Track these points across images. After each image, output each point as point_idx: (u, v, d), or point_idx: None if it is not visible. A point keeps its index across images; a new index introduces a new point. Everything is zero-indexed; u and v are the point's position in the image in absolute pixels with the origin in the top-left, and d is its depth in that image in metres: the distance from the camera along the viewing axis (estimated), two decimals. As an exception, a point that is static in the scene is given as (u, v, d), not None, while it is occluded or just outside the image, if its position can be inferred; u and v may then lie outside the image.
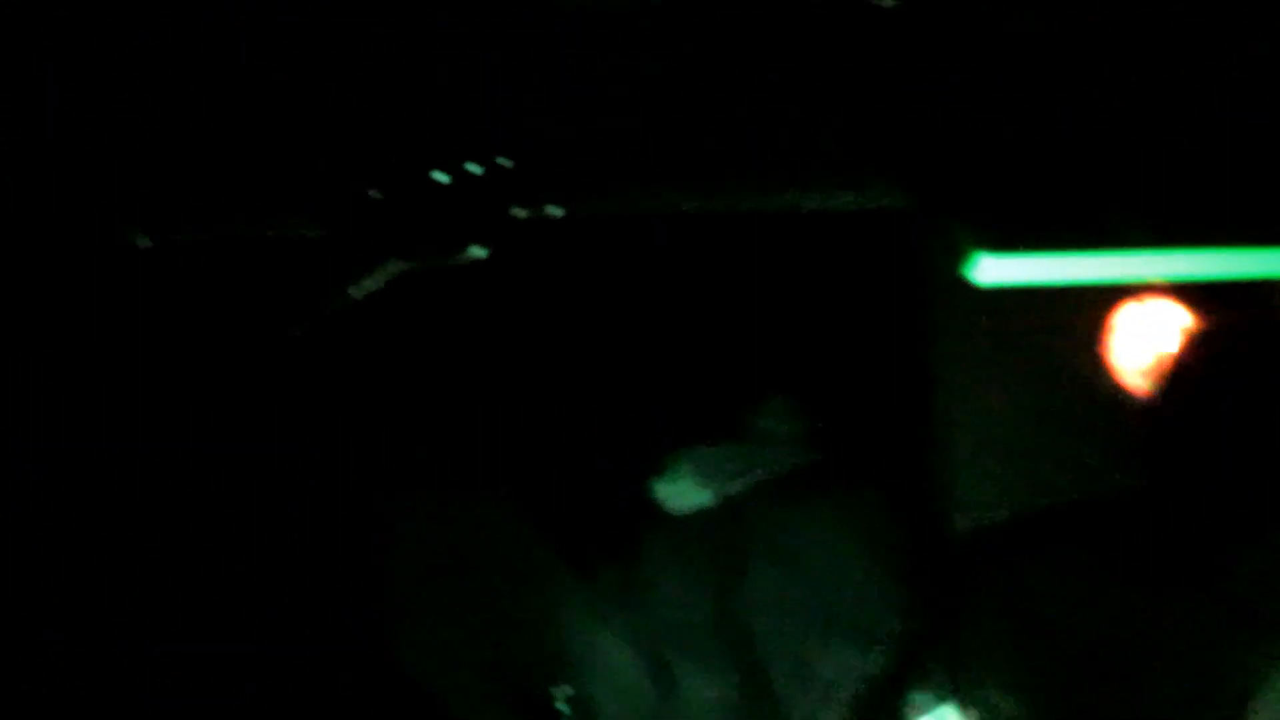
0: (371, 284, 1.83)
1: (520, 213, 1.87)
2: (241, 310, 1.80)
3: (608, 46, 4.48)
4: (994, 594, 4.13)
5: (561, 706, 4.37)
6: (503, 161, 1.91)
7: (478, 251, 1.86)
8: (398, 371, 4.48)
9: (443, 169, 1.91)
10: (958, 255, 4.42)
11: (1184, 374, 4.11)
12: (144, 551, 4.27)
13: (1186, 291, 4.49)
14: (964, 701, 4.11)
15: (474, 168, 1.90)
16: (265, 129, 4.20)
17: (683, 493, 4.45)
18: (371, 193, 1.86)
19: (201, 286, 1.80)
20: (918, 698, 4.19)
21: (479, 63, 4.35)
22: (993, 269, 4.38)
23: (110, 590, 4.26)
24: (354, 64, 4.24)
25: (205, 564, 4.33)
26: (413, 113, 4.24)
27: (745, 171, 4.64)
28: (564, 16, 4.45)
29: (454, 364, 4.56)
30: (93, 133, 4.25)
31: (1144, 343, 4.50)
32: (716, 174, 4.64)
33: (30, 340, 3.96)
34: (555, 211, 1.88)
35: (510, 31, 4.39)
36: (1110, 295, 4.53)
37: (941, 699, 4.14)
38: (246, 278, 1.82)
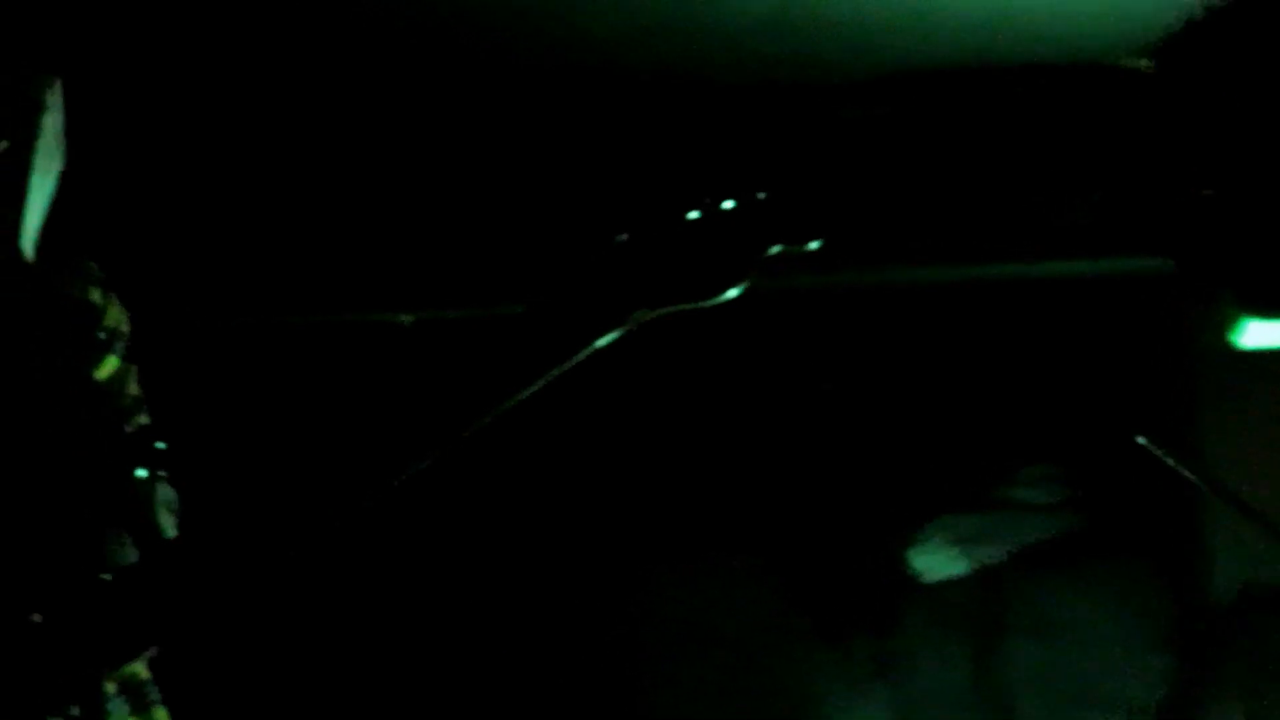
0: (615, 335, 1.84)
1: (776, 250, 1.85)
2: (492, 382, 1.85)
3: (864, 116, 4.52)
4: (1259, 663, 4.00)
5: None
6: (760, 195, 1.89)
7: (732, 293, 1.84)
8: (649, 437, 4.55)
9: (695, 207, 1.90)
10: (1223, 320, 4.31)
11: None
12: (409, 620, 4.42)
13: None
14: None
15: (729, 204, 1.89)
16: (516, 210, 4.37)
17: (938, 562, 4.43)
18: (619, 237, 1.86)
19: (459, 360, 1.86)
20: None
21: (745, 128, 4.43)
22: (1258, 333, 4.26)
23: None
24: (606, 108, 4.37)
25: (461, 633, 4.45)
26: (662, 152, 4.35)
27: (1009, 238, 4.62)
28: (824, 86, 4.49)
29: (709, 432, 4.61)
30: (364, 225, 4.45)
31: None
32: (977, 241, 4.62)
33: (308, 413, 4.15)
34: (814, 246, 1.84)
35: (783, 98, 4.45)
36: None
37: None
38: (495, 351, 1.87)
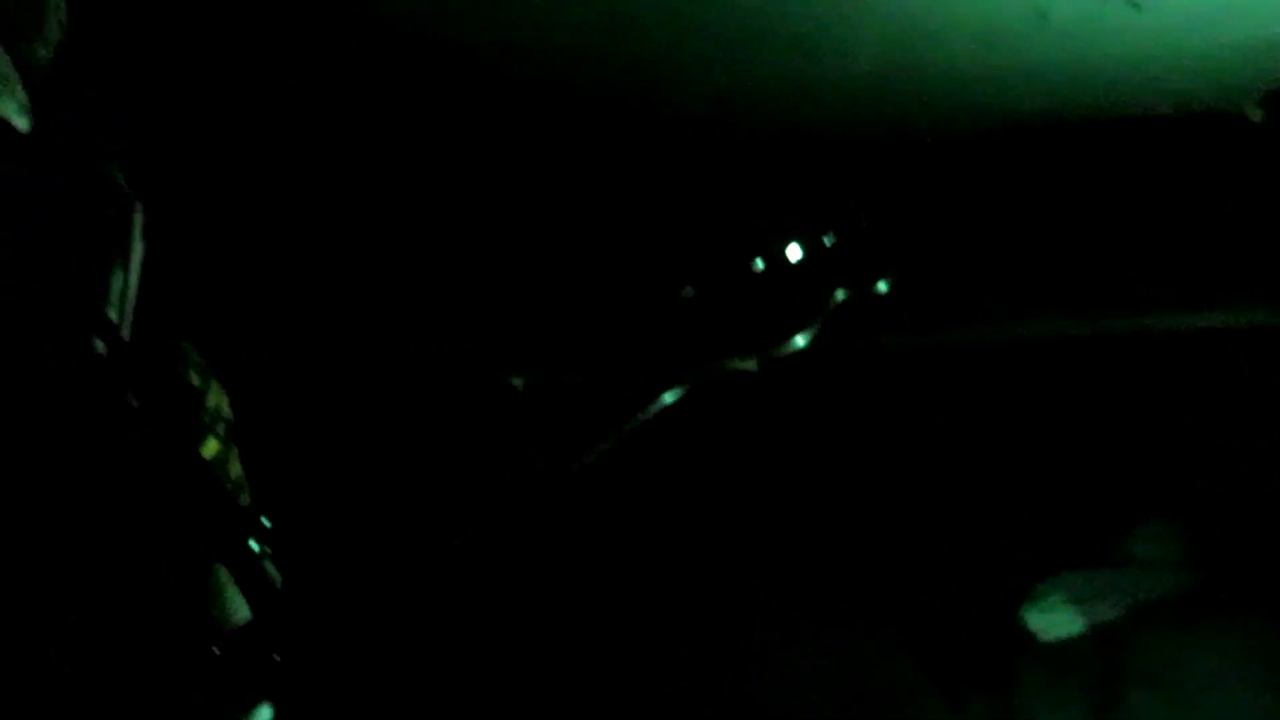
0: (690, 389, 1.86)
1: (842, 295, 1.86)
2: (566, 439, 1.89)
3: (990, 165, 4.51)
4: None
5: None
6: (826, 240, 1.90)
7: (800, 342, 1.86)
8: (762, 493, 4.55)
9: (761, 255, 1.91)
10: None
11: None
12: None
13: None
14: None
15: (796, 251, 1.90)
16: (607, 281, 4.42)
17: (1056, 620, 4.38)
18: (685, 291, 1.89)
19: (554, 418, 1.90)
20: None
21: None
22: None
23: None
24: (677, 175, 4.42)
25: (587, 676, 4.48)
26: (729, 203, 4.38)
27: (1122, 290, 4.58)
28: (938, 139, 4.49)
29: (822, 488, 4.61)
30: (478, 297, 4.52)
31: None
32: (1093, 294, 4.59)
33: (424, 468, 4.21)
34: (882, 289, 1.85)
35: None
36: None
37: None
38: (565, 410, 1.91)
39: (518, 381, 4.39)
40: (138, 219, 2.02)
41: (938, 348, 4.61)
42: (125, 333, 2.04)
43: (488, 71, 3.90)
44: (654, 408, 1.88)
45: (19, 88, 1.99)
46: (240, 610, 2.09)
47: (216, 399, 2.09)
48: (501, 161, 4.31)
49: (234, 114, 4.03)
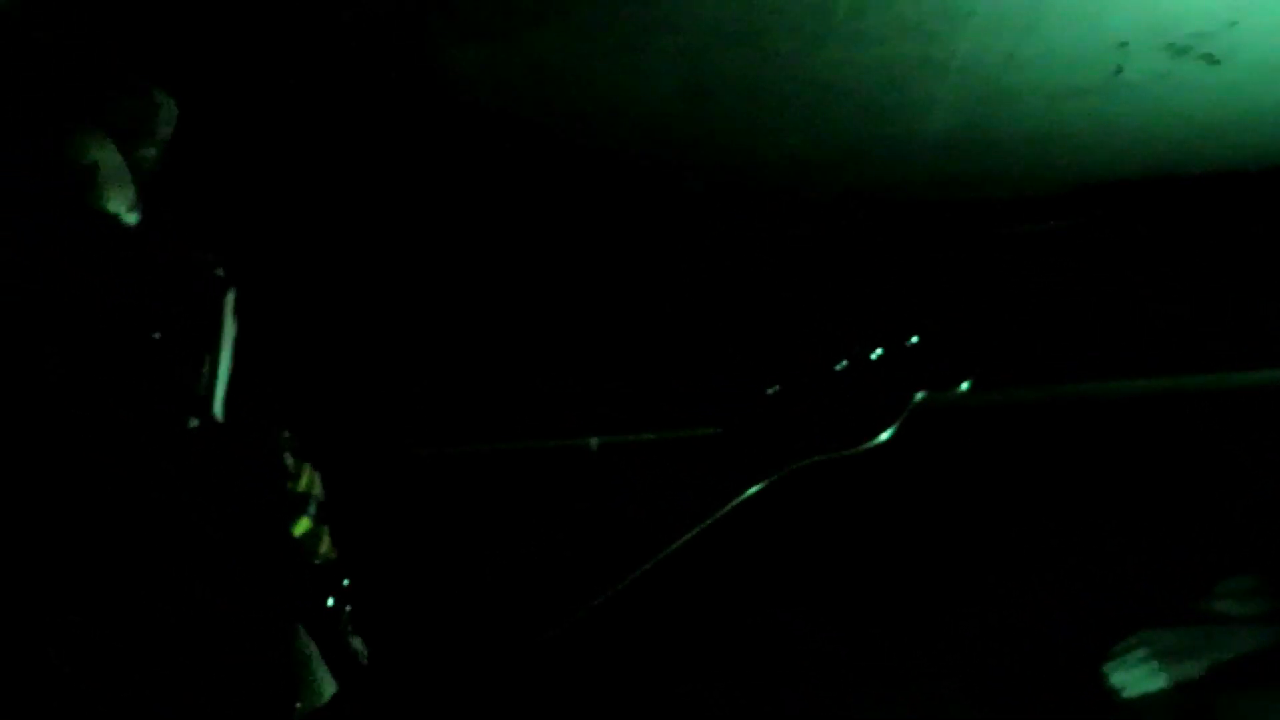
0: (772, 477, 1.89)
1: (921, 395, 1.89)
2: (654, 503, 1.91)
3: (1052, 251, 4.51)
4: None
5: None
6: (911, 341, 1.93)
7: (883, 437, 1.90)
8: (833, 565, 4.54)
9: (845, 356, 1.95)
10: None
11: None
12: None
13: None
14: None
15: (877, 353, 1.94)
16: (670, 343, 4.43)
17: (1138, 677, 4.34)
18: (769, 390, 1.93)
19: (641, 480, 1.93)
20: None
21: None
22: None
23: None
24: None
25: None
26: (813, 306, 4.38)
27: (1206, 347, 4.56)
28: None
29: (898, 542, 4.60)
30: (554, 360, 4.54)
31: None
32: (1174, 352, 4.58)
33: (499, 533, 4.23)
34: (963, 389, 1.89)
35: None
36: None
37: None
38: (664, 473, 1.93)
39: (593, 442, 4.40)
40: (230, 300, 2.07)
41: (1016, 404, 4.59)
42: (218, 410, 2.08)
43: (559, 144, 3.93)
44: (735, 502, 1.91)
45: (130, 186, 2.08)
46: (325, 682, 2.11)
47: (308, 479, 2.13)
48: (575, 230, 4.34)
49: (320, 200, 4.09)
